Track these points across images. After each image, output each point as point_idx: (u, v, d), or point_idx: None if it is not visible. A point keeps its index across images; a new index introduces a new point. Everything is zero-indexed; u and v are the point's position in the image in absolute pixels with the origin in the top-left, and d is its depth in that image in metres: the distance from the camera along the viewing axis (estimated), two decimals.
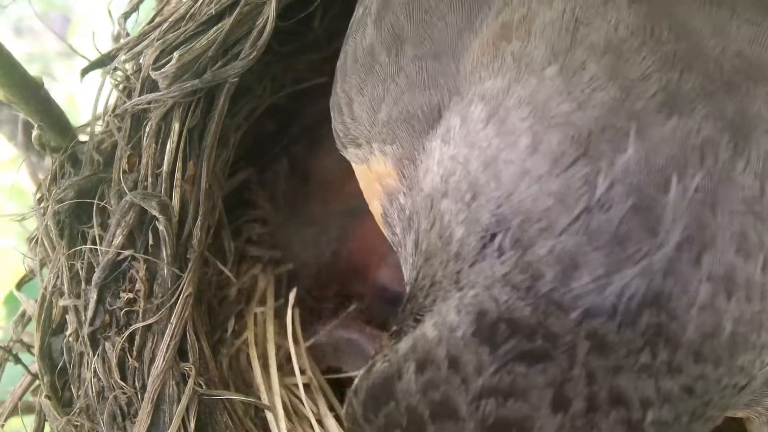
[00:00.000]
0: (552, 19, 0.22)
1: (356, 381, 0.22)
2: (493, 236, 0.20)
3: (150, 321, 0.32)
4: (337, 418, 0.40)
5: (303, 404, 0.39)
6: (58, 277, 0.34)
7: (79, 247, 0.34)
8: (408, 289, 0.24)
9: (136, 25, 0.38)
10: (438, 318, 0.21)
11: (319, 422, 0.39)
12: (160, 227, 0.33)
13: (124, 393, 0.32)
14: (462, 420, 0.19)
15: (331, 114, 0.30)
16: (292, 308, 0.41)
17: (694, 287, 0.19)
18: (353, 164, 0.30)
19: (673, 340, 0.19)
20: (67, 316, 0.34)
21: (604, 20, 0.21)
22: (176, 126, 0.35)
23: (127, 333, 0.32)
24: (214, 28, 0.34)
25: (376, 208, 0.28)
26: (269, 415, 0.37)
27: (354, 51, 0.28)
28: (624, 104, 0.20)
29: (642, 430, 0.19)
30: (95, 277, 0.33)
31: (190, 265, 0.34)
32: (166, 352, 0.32)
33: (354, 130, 0.28)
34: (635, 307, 0.19)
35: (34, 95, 0.34)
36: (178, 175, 0.34)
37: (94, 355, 0.32)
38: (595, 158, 0.19)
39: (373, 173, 0.28)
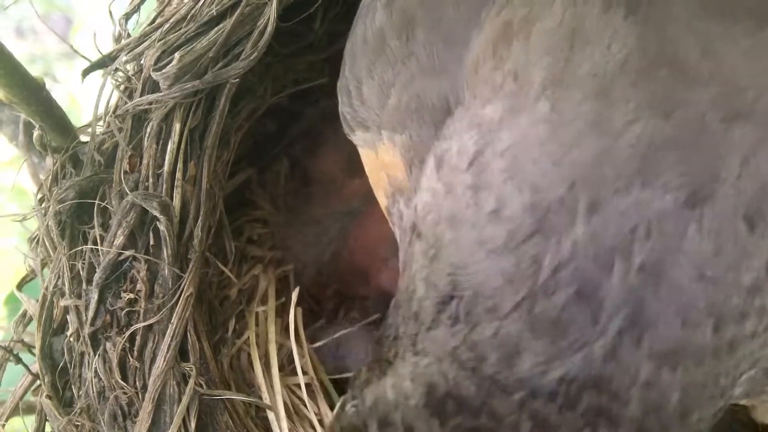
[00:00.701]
0: (551, 29, 0.22)
1: (332, 416, 0.24)
2: (448, 302, 0.21)
3: (151, 321, 0.32)
4: None
5: (304, 404, 0.39)
6: (59, 277, 0.34)
7: (81, 248, 0.34)
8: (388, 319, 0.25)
9: (137, 25, 0.38)
10: (396, 380, 0.22)
11: (321, 422, 0.39)
12: (161, 227, 0.33)
13: (125, 393, 0.32)
14: None
15: (339, 98, 0.30)
16: (294, 308, 0.41)
17: (634, 368, 0.19)
18: (359, 148, 0.30)
19: (615, 419, 0.19)
20: (68, 316, 0.34)
21: (600, 40, 0.21)
22: (177, 126, 0.35)
23: (128, 333, 0.32)
24: (215, 28, 0.35)
25: (381, 198, 0.29)
26: (270, 415, 0.37)
27: (363, 34, 0.28)
28: (593, 169, 0.19)
29: None
30: (96, 277, 0.33)
31: (191, 266, 0.34)
32: (167, 352, 0.32)
33: (363, 113, 0.28)
34: (575, 390, 0.19)
35: (35, 96, 0.34)
36: (179, 175, 0.34)
37: (95, 355, 0.33)
38: (546, 235, 0.19)
39: (380, 161, 0.28)
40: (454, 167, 0.22)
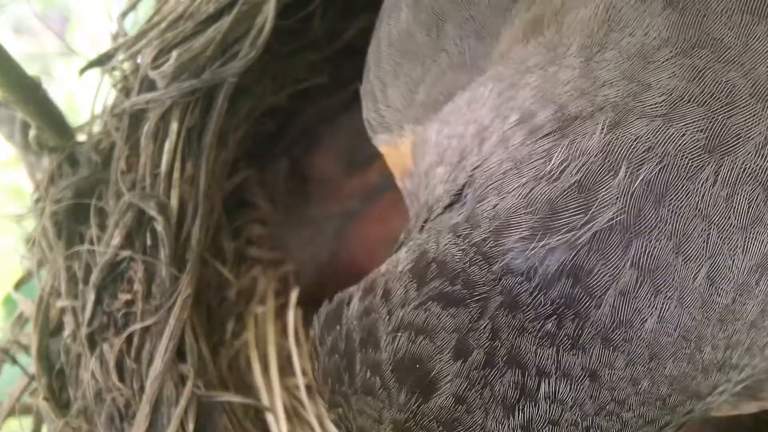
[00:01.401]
0: (585, 18, 0.22)
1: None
2: (462, 194, 0.21)
3: (148, 322, 0.32)
4: None
5: (303, 406, 0.39)
6: (55, 278, 0.34)
7: (77, 248, 0.34)
8: None
9: (134, 24, 0.38)
10: (392, 257, 0.22)
11: (321, 424, 0.39)
12: (159, 228, 0.33)
13: (122, 395, 0.32)
14: (379, 350, 0.20)
15: (363, 103, 0.29)
16: (294, 308, 0.41)
17: (615, 271, 0.18)
18: (381, 147, 0.30)
19: (582, 317, 0.18)
20: (64, 318, 0.34)
21: (638, 25, 0.21)
22: (175, 126, 0.34)
23: (125, 334, 0.32)
24: (213, 27, 0.34)
25: (398, 181, 0.29)
26: (269, 417, 0.37)
27: (388, 35, 0.28)
28: (622, 101, 0.20)
29: (534, 400, 0.19)
30: (93, 278, 0.33)
31: (188, 266, 0.33)
32: (165, 353, 0.32)
33: (388, 117, 0.28)
34: (552, 274, 0.18)
35: (32, 95, 0.34)
36: (176, 175, 0.34)
37: (92, 357, 0.32)
38: (564, 135, 0.20)
39: (401, 153, 0.28)
40: (481, 103, 0.23)
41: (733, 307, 0.19)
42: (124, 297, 0.33)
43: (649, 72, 0.20)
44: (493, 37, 0.24)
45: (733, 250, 0.19)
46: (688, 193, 0.19)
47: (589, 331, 0.18)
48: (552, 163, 0.19)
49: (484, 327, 0.19)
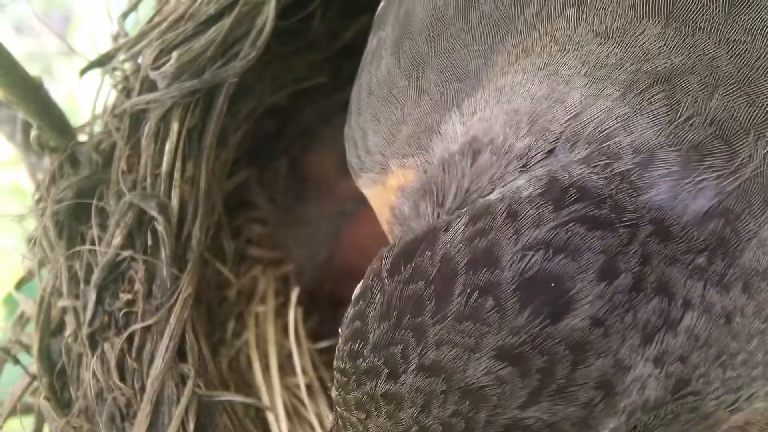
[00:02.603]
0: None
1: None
2: (562, 140, 0.21)
3: (149, 322, 0.32)
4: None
5: (304, 405, 0.39)
6: (56, 277, 0.34)
7: (78, 248, 0.34)
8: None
9: (135, 24, 0.38)
10: (503, 188, 0.21)
11: (321, 423, 0.39)
12: (159, 228, 0.33)
13: (123, 394, 0.32)
14: (499, 269, 0.19)
15: (346, 146, 0.29)
16: (294, 308, 0.41)
17: (760, 218, 0.19)
18: (364, 189, 0.29)
19: (731, 256, 0.19)
20: (65, 317, 0.34)
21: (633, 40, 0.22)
22: (175, 126, 0.34)
23: (126, 334, 0.32)
24: (213, 27, 0.34)
25: (384, 218, 0.28)
26: (270, 416, 0.37)
27: (369, 83, 0.28)
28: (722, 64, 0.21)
29: (675, 332, 0.18)
30: (94, 278, 0.33)
31: (189, 266, 0.34)
32: (165, 353, 0.32)
33: (368, 163, 0.28)
34: (704, 213, 0.19)
35: (33, 95, 0.34)
36: (177, 175, 0.34)
37: (93, 356, 0.32)
38: (677, 89, 0.20)
39: (388, 188, 0.27)
40: (513, 90, 0.23)
41: None
42: (125, 297, 0.33)
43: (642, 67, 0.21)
44: (475, 80, 0.24)
45: None
46: None
47: (735, 272, 0.19)
48: (682, 110, 0.20)
49: (634, 252, 0.19)
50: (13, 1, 0.38)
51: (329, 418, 0.39)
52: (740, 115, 0.20)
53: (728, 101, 0.20)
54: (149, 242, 0.33)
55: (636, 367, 0.18)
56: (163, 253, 0.33)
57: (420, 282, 0.19)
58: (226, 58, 0.35)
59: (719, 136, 0.20)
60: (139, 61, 0.35)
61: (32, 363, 0.34)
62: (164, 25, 0.35)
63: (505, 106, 0.23)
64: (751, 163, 0.20)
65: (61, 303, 0.34)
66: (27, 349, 0.36)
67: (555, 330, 0.18)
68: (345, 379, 0.20)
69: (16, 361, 0.35)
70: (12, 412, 0.35)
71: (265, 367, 0.39)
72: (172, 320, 0.32)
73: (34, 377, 0.34)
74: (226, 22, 0.34)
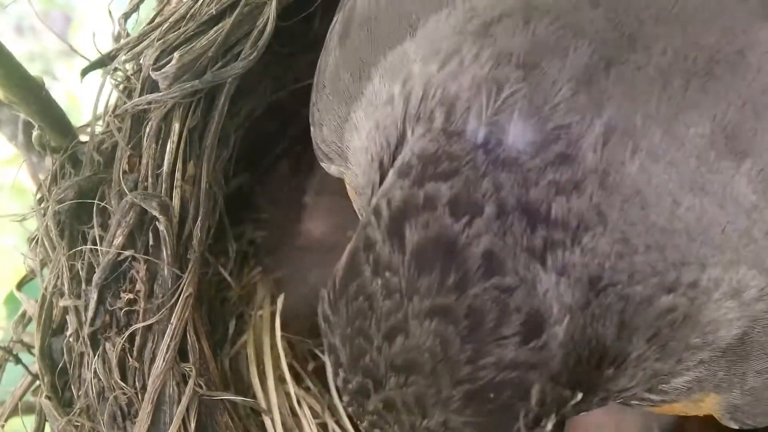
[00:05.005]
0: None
1: None
2: (412, 122, 0.22)
3: (150, 321, 0.32)
4: (338, 423, 0.40)
5: (300, 404, 0.39)
6: (58, 277, 0.34)
7: (80, 248, 0.34)
8: None
9: (136, 25, 0.38)
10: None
11: (321, 425, 0.39)
12: (161, 227, 0.33)
13: (125, 393, 0.32)
14: (395, 264, 0.20)
15: (311, 128, 0.30)
16: (279, 314, 0.41)
17: (594, 121, 0.20)
18: (332, 173, 0.30)
19: (573, 161, 0.20)
20: (67, 317, 0.34)
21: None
22: (176, 126, 0.35)
23: (127, 333, 0.32)
24: (215, 28, 0.34)
25: (351, 196, 0.29)
26: (270, 416, 0.37)
27: (325, 71, 0.29)
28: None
29: (565, 248, 0.19)
30: (96, 278, 0.33)
31: (190, 266, 0.34)
32: (167, 352, 0.32)
33: (327, 151, 0.29)
34: (529, 135, 0.20)
35: (34, 96, 0.34)
36: (178, 175, 0.34)
37: (94, 356, 0.32)
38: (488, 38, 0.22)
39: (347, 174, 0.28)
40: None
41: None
42: (126, 296, 0.33)
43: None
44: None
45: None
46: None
47: (584, 174, 0.20)
48: (480, 56, 0.21)
49: (486, 185, 0.20)
50: (13, 1, 0.38)
51: (328, 419, 0.40)
52: (536, 40, 0.21)
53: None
54: (150, 242, 0.33)
55: (540, 281, 0.19)
56: (165, 253, 0.33)
57: (360, 298, 0.21)
58: (227, 58, 0.35)
59: (520, 66, 0.21)
60: (141, 61, 0.35)
61: (34, 362, 0.35)
62: (165, 25, 0.35)
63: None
64: (570, 80, 0.20)
65: (63, 302, 0.34)
66: (29, 348, 0.36)
67: (456, 284, 0.19)
68: (356, 408, 0.22)
69: (18, 361, 0.36)
70: (14, 411, 0.35)
71: (263, 373, 0.39)
72: (174, 320, 0.33)
73: (35, 376, 0.34)
74: (228, 22, 0.34)
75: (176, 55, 0.33)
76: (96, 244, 0.33)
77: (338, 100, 0.27)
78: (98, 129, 0.36)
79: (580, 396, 0.21)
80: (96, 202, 0.34)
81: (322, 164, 0.30)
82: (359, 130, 0.26)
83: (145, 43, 0.35)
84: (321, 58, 0.29)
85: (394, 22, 0.25)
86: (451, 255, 0.20)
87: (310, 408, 0.39)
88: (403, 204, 0.20)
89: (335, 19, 0.29)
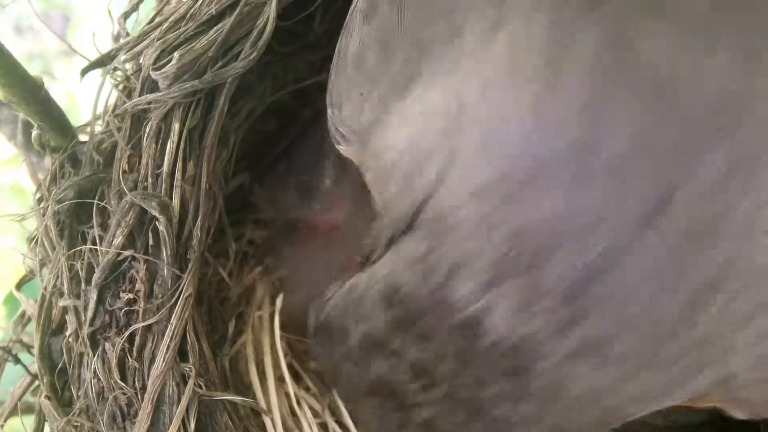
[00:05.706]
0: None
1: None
2: (414, 222, 0.24)
3: (150, 321, 0.32)
4: (338, 422, 0.40)
5: (300, 405, 0.39)
6: (57, 277, 0.34)
7: (79, 248, 0.34)
8: None
9: (136, 24, 0.38)
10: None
11: (321, 425, 0.39)
12: (161, 227, 0.33)
13: (124, 393, 0.32)
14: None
15: (328, 109, 0.30)
16: (278, 315, 0.41)
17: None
18: (345, 154, 0.30)
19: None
20: (66, 317, 0.34)
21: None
22: (176, 126, 0.35)
23: (127, 333, 0.32)
24: (215, 28, 0.34)
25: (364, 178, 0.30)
26: (271, 415, 0.37)
27: (345, 52, 0.28)
28: None
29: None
30: (95, 278, 0.33)
31: (190, 266, 0.34)
32: (166, 352, 0.32)
33: (344, 131, 0.29)
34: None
35: (34, 95, 0.34)
36: (178, 175, 0.34)
37: (94, 356, 0.32)
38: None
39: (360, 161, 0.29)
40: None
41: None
42: (126, 296, 0.33)
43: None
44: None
45: None
46: None
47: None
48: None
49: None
50: (13, 1, 0.38)
51: (328, 419, 0.40)
52: None
53: None
54: (150, 242, 0.33)
55: None
56: (165, 253, 0.33)
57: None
58: (227, 58, 0.35)
59: None
60: (141, 61, 0.35)
61: (33, 362, 0.35)
62: (165, 25, 0.35)
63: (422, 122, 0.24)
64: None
65: (62, 302, 0.34)
66: (28, 348, 0.36)
67: None
68: None
69: (17, 361, 0.36)
70: (13, 412, 0.35)
71: (262, 373, 0.39)
72: (173, 320, 0.33)
73: (35, 376, 0.34)
74: (228, 22, 0.34)
75: (176, 54, 0.33)
76: (95, 244, 0.33)
77: (364, 80, 0.27)
78: (98, 129, 0.36)
79: None
80: (96, 201, 0.34)
81: (339, 147, 0.30)
82: (392, 127, 0.25)
83: (144, 42, 0.35)
84: (341, 40, 0.29)
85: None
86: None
87: (310, 408, 0.39)
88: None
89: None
